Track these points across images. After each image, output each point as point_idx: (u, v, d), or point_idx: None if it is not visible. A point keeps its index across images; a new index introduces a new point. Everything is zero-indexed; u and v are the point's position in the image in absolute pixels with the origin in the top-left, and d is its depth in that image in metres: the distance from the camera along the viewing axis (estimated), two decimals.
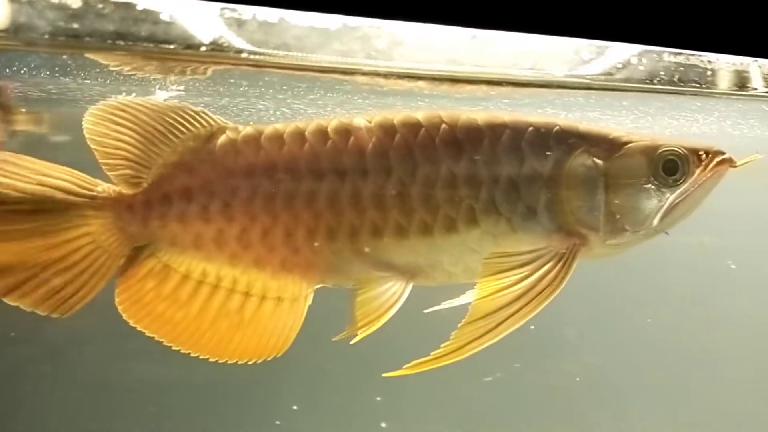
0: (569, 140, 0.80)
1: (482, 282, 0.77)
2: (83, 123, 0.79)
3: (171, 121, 0.80)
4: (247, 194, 0.80)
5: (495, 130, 0.80)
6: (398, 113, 0.81)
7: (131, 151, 0.80)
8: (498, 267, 0.78)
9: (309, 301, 0.82)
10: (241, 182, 0.80)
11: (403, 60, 0.82)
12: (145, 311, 0.80)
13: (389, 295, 0.80)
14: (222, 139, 0.81)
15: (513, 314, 0.76)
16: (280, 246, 0.81)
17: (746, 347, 1.83)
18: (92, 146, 0.80)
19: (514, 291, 0.76)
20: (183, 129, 0.81)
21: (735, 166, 0.80)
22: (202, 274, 0.81)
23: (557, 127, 0.81)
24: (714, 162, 0.79)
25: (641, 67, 0.85)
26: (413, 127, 0.80)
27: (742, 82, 0.89)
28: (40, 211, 0.78)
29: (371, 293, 0.80)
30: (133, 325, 0.80)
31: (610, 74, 0.85)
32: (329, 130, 0.81)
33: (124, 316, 0.80)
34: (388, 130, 0.80)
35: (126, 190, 0.81)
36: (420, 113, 0.81)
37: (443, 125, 0.80)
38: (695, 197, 0.79)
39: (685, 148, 0.79)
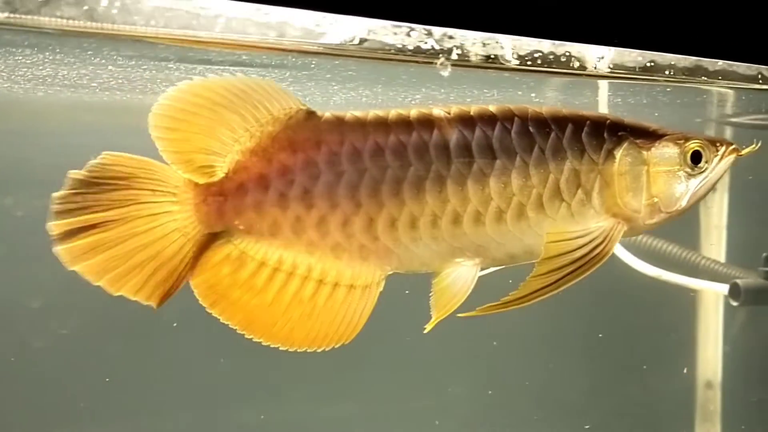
0: (619, 132, 0.86)
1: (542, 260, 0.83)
2: (150, 118, 0.77)
3: (252, 103, 0.78)
4: (328, 181, 0.80)
5: (559, 123, 0.85)
6: (473, 106, 0.84)
7: (204, 140, 0.78)
8: (556, 248, 0.84)
9: (380, 288, 0.82)
10: (323, 169, 0.80)
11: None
12: (219, 296, 0.80)
13: (464, 279, 0.83)
14: (302, 124, 0.80)
15: (566, 276, 0.83)
16: (359, 234, 0.81)
17: None
18: (159, 141, 0.77)
19: (570, 256, 0.83)
20: (263, 111, 0.79)
21: (741, 155, 0.88)
22: (278, 261, 0.81)
23: (608, 121, 0.86)
24: (726, 152, 0.88)
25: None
26: (490, 119, 0.83)
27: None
28: (132, 212, 0.78)
29: (448, 279, 0.83)
30: (208, 310, 0.80)
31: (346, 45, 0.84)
32: (412, 119, 0.82)
33: (199, 300, 0.80)
34: (467, 121, 0.82)
35: (200, 179, 0.79)
36: (492, 106, 0.84)
37: (516, 118, 0.83)
38: (711, 181, 0.88)
39: (706, 140, 0.87)
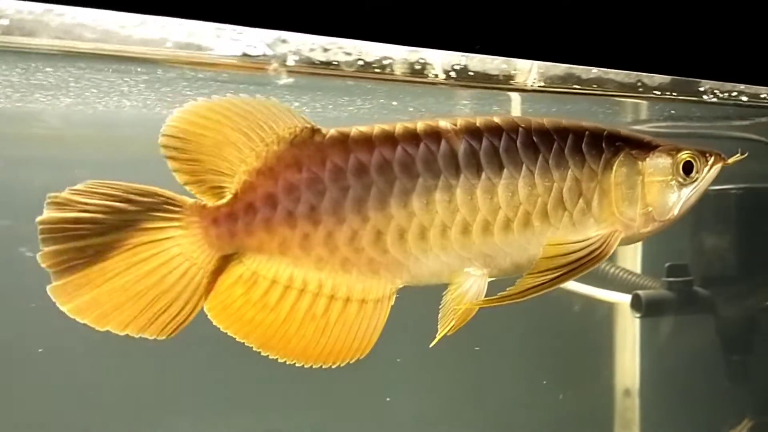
0: (616, 143, 0.88)
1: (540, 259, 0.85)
2: (161, 138, 0.76)
3: (257, 123, 0.78)
4: (334, 197, 0.80)
5: (561, 134, 0.86)
6: (478, 117, 0.85)
7: (212, 160, 0.78)
8: (555, 250, 0.85)
9: (392, 302, 0.83)
10: (329, 185, 0.80)
11: None
12: (235, 317, 0.80)
13: (475, 289, 0.84)
14: (307, 141, 0.80)
15: (561, 276, 0.84)
16: (368, 248, 0.81)
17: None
18: (171, 161, 0.76)
19: (567, 258, 0.85)
20: (268, 131, 0.79)
21: (727, 164, 0.91)
22: (289, 278, 0.81)
23: (606, 131, 0.88)
24: (714, 161, 0.90)
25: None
26: (496, 130, 0.84)
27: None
28: (131, 239, 0.76)
29: (459, 290, 0.84)
30: (224, 331, 0.80)
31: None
32: (419, 132, 0.82)
33: (214, 322, 0.79)
34: (473, 132, 0.83)
35: (209, 201, 0.79)
36: (497, 117, 0.85)
37: (520, 128, 0.85)
38: (701, 190, 0.90)
39: (696, 150, 0.90)
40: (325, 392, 1.72)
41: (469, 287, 0.84)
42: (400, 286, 0.83)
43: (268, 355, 0.80)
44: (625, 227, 0.88)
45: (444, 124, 0.83)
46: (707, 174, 0.89)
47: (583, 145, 0.86)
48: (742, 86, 1.05)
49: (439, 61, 0.81)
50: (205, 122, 0.76)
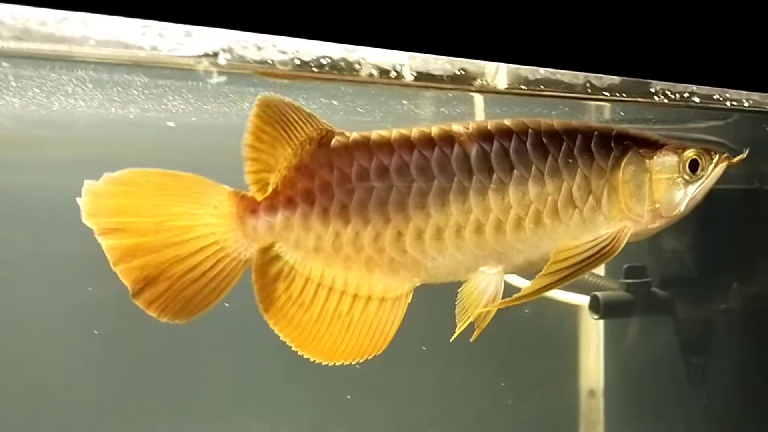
0: (624, 142, 0.91)
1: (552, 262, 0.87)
2: (250, 124, 0.80)
3: (292, 122, 0.81)
4: (361, 198, 0.83)
5: (570, 134, 0.89)
6: (490, 121, 0.88)
7: (267, 157, 0.81)
8: (567, 252, 0.88)
9: (409, 300, 0.86)
10: (356, 185, 0.83)
11: None
12: (279, 313, 0.82)
13: (494, 286, 0.87)
14: (334, 143, 0.83)
15: (573, 272, 0.87)
16: (389, 248, 0.84)
17: None
18: (246, 156, 0.81)
19: (579, 257, 0.88)
20: (302, 131, 0.82)
21: (732, 164, 0.94)
22: (321, 277, 0.84)
23: (614, 131, 0.91)
24: (719, 159, 0.93)
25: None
26: (506, 132, 0.87)
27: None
28: (170, 225, 0.79)
29: (479, 288, 0.87)
30: (271, 327, 0.82)
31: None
32: (434, 136, 0.85)
33: (265, 317, 0.82)
34: (485, 136, 0.86)
35: (256, 194, 0.82)
36: (508, 121, 0.88)
37: (530, 130, 0.87)
38: (706, 188, 0.93)
39: (702, 149, 0.93)
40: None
41: (487, 285, 0.87)
42: (418, 284, 0.86)
43: (302, 354, 0.82)
44: (634, 223, 0.90)
45: (457, 128, 0.86)
46: (712, 172, 0.92)
47: (592, 145, 0.89)
48: (693, 87, 1.04)
49: (380, 60, 0.80)
50: (266, 117, 0.79)
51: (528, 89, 0.91)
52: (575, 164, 0.88)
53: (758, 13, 1.07)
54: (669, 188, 0.91)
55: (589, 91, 0.96)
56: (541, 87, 0.92)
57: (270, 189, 0.81)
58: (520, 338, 2.02)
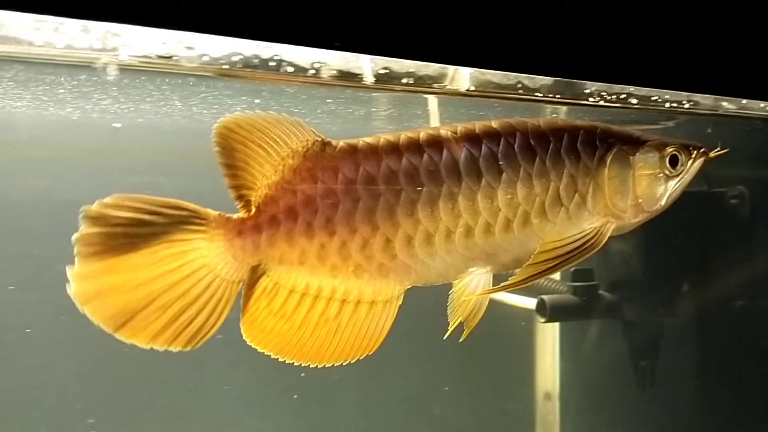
0: (609, 140, 0.92)
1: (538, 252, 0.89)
2: (214, 143, 0.79)
3: (273, 137, 0.81)
4: (347, 208, 0.83)
5: (556, 134, 0.90)
6: (477, 123, 0.88)
7: (243, 172, 0.81)
8: (552, 245, 0.89)
9: (400, 302, 0.87)
10: (342, 197, 0.83)
11: None
12: (259, 329, 0.83)
13: (483, 286, 0.89)
14: (319, 154, 0.83)
15: (558, 264, 0.89)
16: (378, 254, 0.85)
17: None
18: (225, 178, 0.81)
19: (564, 249, 0.89)
20: (283, 145, 0.82)
21: (709, 159, 0.96)
22: (306, 287, 0.84)
23: (599, 129, 0.93)
24: (697, 155, 0.95)
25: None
26: (494, 136, 0.88)
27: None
28: (157, 251, 0.78)
29: (469, 288, 0.89)
30: (249, 344, 0.82)
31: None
32: (421, 142, 0.86)
33: (245, 337, 0.82)
34: (473, 140, 0.87)
35: (241, 210, 0.82)
36: (495, 122, 0.89)
37: (517, 133, 0.88)
38: (685, 182, 0.95)
39: (681, 144, 0.95)
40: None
41: (477, 285, 0.88)
42: (408, 287, 0.87)
43: (284, 361, 0.83)
44: (617, 218, 0.92)
45: (445, 132, 0.86)
46: (691, 167, 0.94)
47: (578, 144, 0.90)
48: (631, 88, 1.03)
49: (296, 57, 0.77)
50: (235, 136, 0.79)
51: (453, 88, 0.89)
52: (562, 164, 0.89)
53: (696, 12, 1.06)
54: (651, 183, 0.93)
55: (521, 92, 0.94)
56: (473, 87, 0.89)
57: (253, 207, 0.81)
58: (477, 343, 2.00)
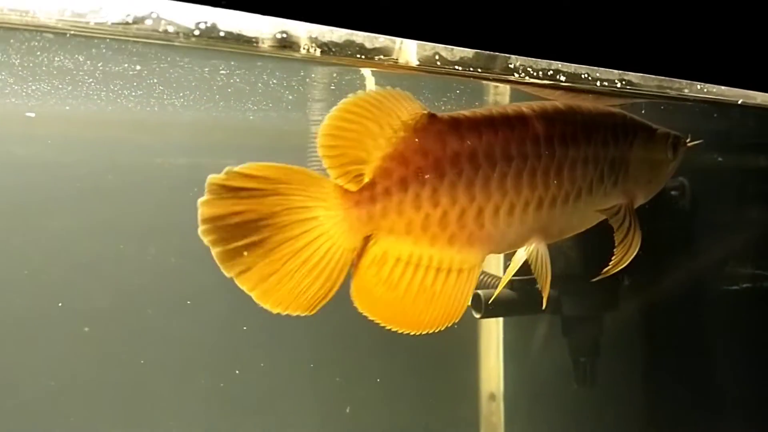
0: (634, 126, 1.03)
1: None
2: (319, 135, 0.82)
3: (386, 112, 0.84)
4: (451, 180, 0.88)
5: (605, 119, 1.00)
6: (546, 103, 0.96)
7: (356, 152, 0.84)
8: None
9: (479, 271, 0.92)
10: (448, 169, 0.87)
11: None
12: (369, 296, 0.87)
13: (543, 253, 0.97)
14: (427, 127, 0.87)
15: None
16: (470, 224, 0.89)
17: None
18: (325, 159, 0.83)
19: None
20: (396, 119, 0.85)
21: (688, 148, 1.06)
22: (409, 256, 0.88)
23: (627, 117, 1.03)
24: (683, 143, 1.07)
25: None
26: (565, 116, 0.97)
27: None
28: (282, 220, 0.81)
29: (539, 257, 0.97)
30: (361, 311, 0.86)
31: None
32: (512, 117, 0.93)
33: (355, 304, 0.86)
34: (549, 119, 0.95)
35: (350, 187, 0.84)
36: (561, 105, 0.97)
37: (578, 116, 0.98)
38: (675, 167, 1.07)
39: (674, 133, 1.06)
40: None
41: (541, 254, 0.97)
42: (486, 255, 0.93)
43: (390, 328, 0.87)
44: (633, 198, 1.02)
45: (528, 110, 0.94)
46: (680, 154, 1.04)
47: (619, 130, 1.00)
48: (558, 64, 0.96)
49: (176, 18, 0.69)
50: (352, 116, 0.82)
51: (366, 59, 0.81)
52: (608, 148, 0.98)
53: None
54: (660, 167, 1.04)
55: (438, 64, 0.87)
56: (381, 56, 0.82)
57: (366, 179, 0.84)
58: (421, 344, 1.96)
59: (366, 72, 1.07)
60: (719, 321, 1.91)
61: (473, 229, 0.90)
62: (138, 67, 0.93)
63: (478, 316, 1.46)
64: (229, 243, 0.79)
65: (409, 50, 0.86)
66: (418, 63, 0.88)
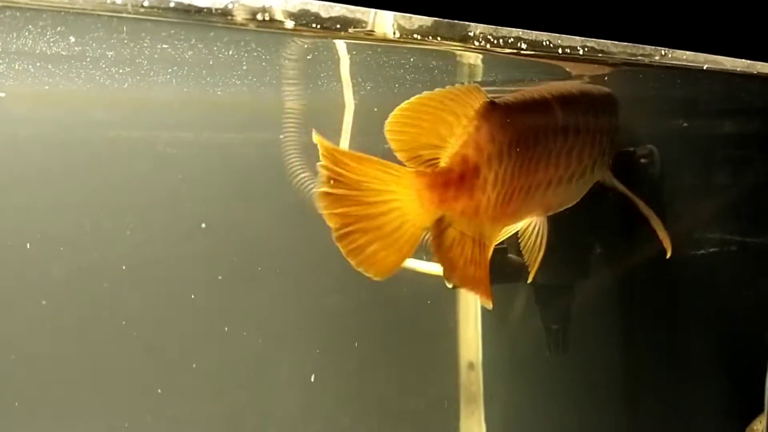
0: (611, 107, 1.13)
1: None
2: (387, 124, 0.87)
3: (461, 104, 0.90)
4: (511, 165, 0.94)
5: (599, 101, 1.09)
6: (567, 84, 1.05)
7: (431, 141, 0.89)
8: None
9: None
10: (514, 155, 0.94)
11: None
12: (464, 275, 0.94)
13: (543, 227, 1.04)
14: (493, 114, 0.92)
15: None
16: (518, 203, 0.97)
17: None
18: (393, 143, 0.88)
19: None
20: (469, 109, 0.90)
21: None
22: (480, 236, 0.94)
23: (610, 95, 1.12)
24: None
25: None
26: (578, 99, 1.05)
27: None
28: (365, 192, 0.86)
29: (537, 228, 1.04)
30: (459, 287, 0.96)
31: None
32: (556, 99, 1.01)
33: (455, 282, 0.94)
34: (572, 102, 1.04)
35: (420, 167, 0.89)
36: (573, 88, 1.04)
37: (587, 97, 1.07)
38: None
39: None
40: None
41: (539, 226, 1.03)
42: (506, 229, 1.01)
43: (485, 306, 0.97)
44: (608, 175, 1.12)
45: (556, 92, 1.01)
46: None
47: (606, 109, 1.08)
48: (519, 32, 0.96)
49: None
50: (427, 108, 0.88)
51: (321, 29, 0.80)
52: (603, 127, 1.06)
53: None
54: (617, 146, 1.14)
55: (397, 34, 0.86)
56: (338, 26, 0.81)
57: (441, 164, 0.90)
58: (399, 315, 1.97)
59: (340, 45, 1.06)
60: (689, 285, 1.93)
61: (519, 207, 0.98)
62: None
63: (450, 286, 1.47)
64: (335, 209, 0.86)
65: (375, 21, 0.86)
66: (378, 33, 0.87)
